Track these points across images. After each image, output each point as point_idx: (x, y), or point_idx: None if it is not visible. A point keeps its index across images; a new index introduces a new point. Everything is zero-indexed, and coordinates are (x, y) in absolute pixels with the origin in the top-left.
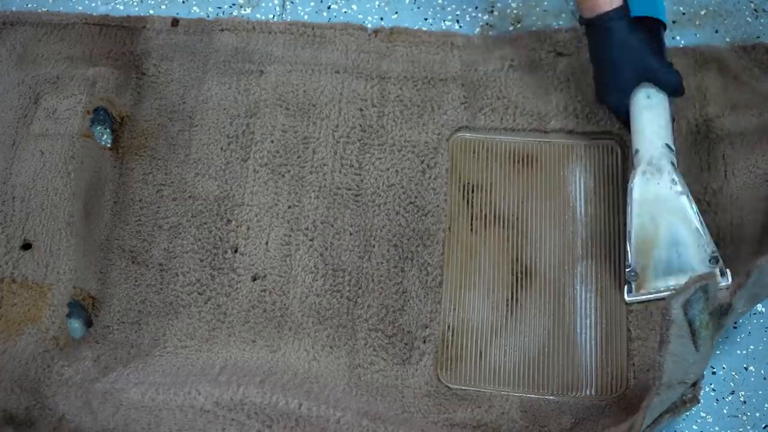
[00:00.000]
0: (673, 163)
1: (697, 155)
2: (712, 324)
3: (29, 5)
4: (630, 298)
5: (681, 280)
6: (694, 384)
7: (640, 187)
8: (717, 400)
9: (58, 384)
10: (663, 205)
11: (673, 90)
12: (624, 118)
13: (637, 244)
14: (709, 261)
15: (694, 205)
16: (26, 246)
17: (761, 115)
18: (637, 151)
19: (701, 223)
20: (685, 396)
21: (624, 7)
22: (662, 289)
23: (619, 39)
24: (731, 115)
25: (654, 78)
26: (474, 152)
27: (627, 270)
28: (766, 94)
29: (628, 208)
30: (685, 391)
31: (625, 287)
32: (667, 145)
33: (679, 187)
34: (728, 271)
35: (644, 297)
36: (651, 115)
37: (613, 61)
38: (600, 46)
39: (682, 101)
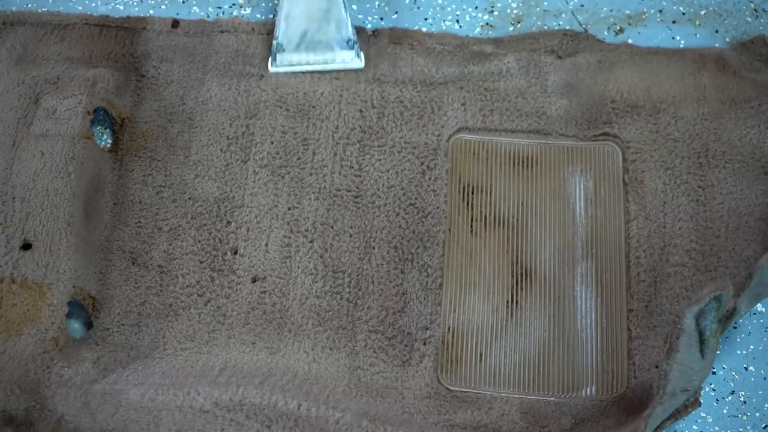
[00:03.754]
0: None
1: (695, 151)
2: (719, 331)
3: (29, 5)
4: (273, 69)
5: (320, 55)
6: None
7: None
8: (717, 400)
9: (57, 385)
10: None
11: None
12: None
13: (285, 19)
14: (347, 42)
15: None
16: (26, 246)
17: (760, 106)
18: None
19: (346, 8)
20: (686, 400)
21: None
22: (302, 62)
23: None
24: (730, 112)
25: None
26: (474, 154)
27: (274, 41)
28: (765, 85)
29: None
30: (687, 397)
31: (270, 59)
32: None
33: None
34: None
35: (287, 68)
36: None
37: None
38: None
39: (681, 101)
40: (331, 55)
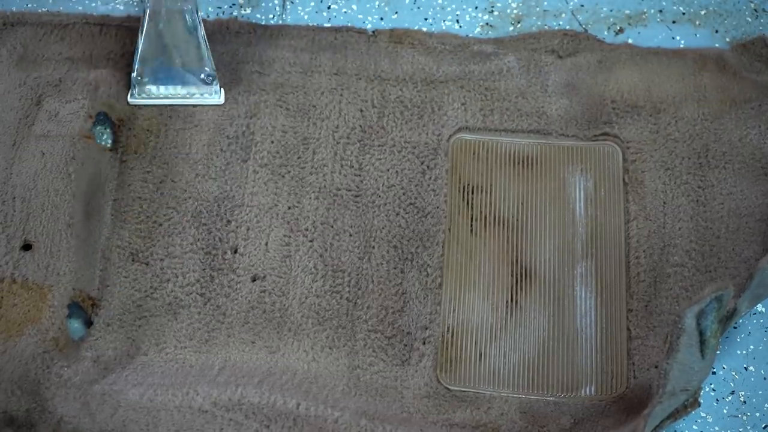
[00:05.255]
0: None
1: (695, 151)
2: (720, 331)
3: (29, 5)
4: (132, 101)
5: (179, 89)
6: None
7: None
8: (717, 400)
9: (57, 386)
10: (173, 21)
11: None
12: None
13: (144, 52)
14: (206, 77)
15: (201, 27)
16: (26, 246)
17: (760, 107)
18: None
19: (206, 44)
20: (686, 401)
21: None
22: (160, 95)
23: None
24: (730, 113)
25: None
26: (474, 153)
27: (132, 75)
28: (765, 85)
29: (143, 21)
30: (686, 397)
31: (129, 91)
32: None
33: (189, 5)
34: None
35: (146, 101)
36: None
37: None
38: None
39: (681, 101)
40: (190, 89)
